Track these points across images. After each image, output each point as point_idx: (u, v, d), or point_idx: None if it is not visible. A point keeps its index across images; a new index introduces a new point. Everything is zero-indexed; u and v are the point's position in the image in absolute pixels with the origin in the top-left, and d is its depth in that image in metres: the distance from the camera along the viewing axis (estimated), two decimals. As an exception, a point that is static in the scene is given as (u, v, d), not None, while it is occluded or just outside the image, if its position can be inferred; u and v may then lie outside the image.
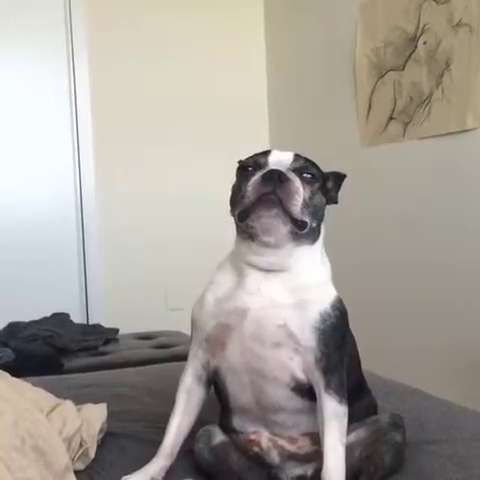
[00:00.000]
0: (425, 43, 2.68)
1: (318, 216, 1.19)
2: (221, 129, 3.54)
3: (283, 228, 1.14)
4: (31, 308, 2.76)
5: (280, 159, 1.18)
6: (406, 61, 2.78)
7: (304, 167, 1.18)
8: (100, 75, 3.41)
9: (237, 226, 1.21)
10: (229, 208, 1.21)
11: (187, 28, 3.57)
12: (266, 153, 1.20)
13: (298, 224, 1.14)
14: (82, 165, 3.39)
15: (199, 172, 3.54)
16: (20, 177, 3.34)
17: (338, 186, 1.27)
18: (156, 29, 3.53)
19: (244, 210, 1.14)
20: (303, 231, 1.15)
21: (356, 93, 3.08)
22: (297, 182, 1.13)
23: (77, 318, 3.08)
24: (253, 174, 1.15)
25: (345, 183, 1.29)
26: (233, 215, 1.20)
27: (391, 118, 2.87)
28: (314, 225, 1.18)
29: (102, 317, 3.20)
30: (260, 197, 1.12)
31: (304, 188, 1.14)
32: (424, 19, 2.68)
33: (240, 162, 1.26)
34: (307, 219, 1.15)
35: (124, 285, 3.43)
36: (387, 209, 2.97)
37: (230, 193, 1.22)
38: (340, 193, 1.29)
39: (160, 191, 3.53)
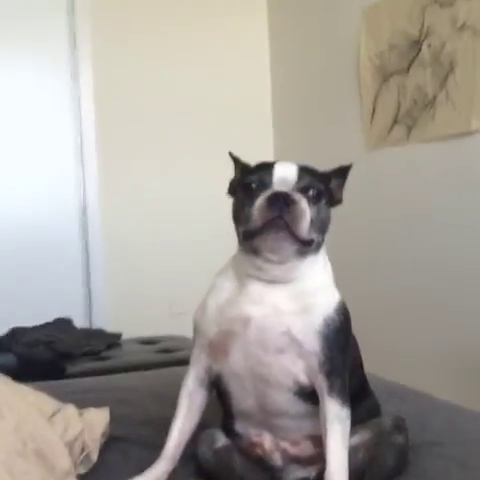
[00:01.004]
0: (429, 46, 2.68)
1: (324, 230, 1.19)
2: (226, 134, 3.54)
3: (290, 248, 1.14)
4: (35, 313, 2.77)
5: (284, 176, 1.16)
6: (410, 64, 2.78)
7: (309, 185, 1.16)
8: (104, 77, 3.43)
9: (240, 240, 1.20)
10: (233, 222, 1.20)
11: (190, 30, 3.58)
12: (270, 168, 1.17)
13: (305, 243, 1.14)
14: (86, 169, 3.40)
15: (203, 177, 3.54)
16: (24, 183, 3.34)
17: (342, 182, 1.26)
18: (159, 31, 3.53)
19: (250, 232, 1.14)
20: (310, 247, 1.15)
21: (360, 96, 3.08)
22: (303, 204, 1.12)
23: (80, 323, 3.09)
24: (257, 194, 1.13)
25: (350, 186, 1.27)
26: (237, 231, 1.19)
27: (395, 121, 2.87)
28: (320, 240, 1.18)
29: (105, 322, 3.20)
30: (267, 221, 1.11)
31: (310, 207, 1.13)
32: (428, 22, 2.68)
33: (238, 164, 1.27)
34: (314, 237, 1.15)
35: (127, 290, 3.44)
36: (392, 212, 2.96)
37: (232, 208, 1.21)
38: (344, 196, 1.27)
39: (164, 196, 3.54)
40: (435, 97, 2.66)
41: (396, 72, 2.86)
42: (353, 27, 3.08)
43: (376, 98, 2.98)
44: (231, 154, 1.29)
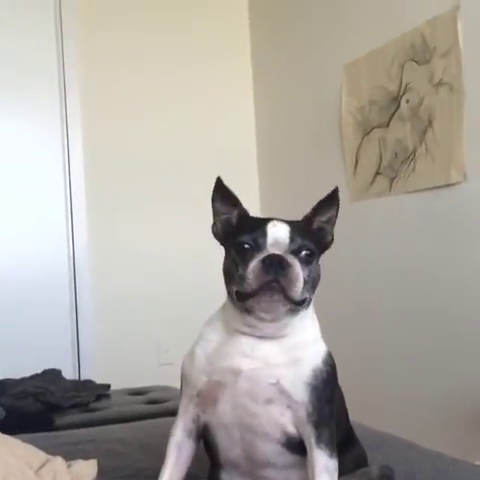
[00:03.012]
0: (408, 102, 2.78)
1: (315, 286, 1.20)
2: (211, 188, 3.60)
3: (283, 308, 1.15)
4: (23, 365, 2.74)
5: (278, 238, 1.16)
6: (390, 119, 2.87)
7: (302, 246, 1.17)
8: (93, 132, 3.48)
9: (233, 299, 1.20)
10: (224, 279, 1.21)
11: (175, 85, 3.67)
12: (263, 228, 1.17)
13: (298, 303, 1.15)
14: (75, 223, 3.43)
15: (190, 229, 3.58)
16: (12, 235, 3.36)
17: (333, 215, 1.25)
18: (145, 86, 3.61)
19: (244, 294, 1.14)
20: (302, 306, 1.17)
21: (343, 150, 3.15)
22: (297, 267, 1.13)
23: (69, 374, 3.06)
24: (251, 255, 1.15)
25: (334, 237, 1.27)
26: (228, 289, 1.20)
27: (377, 173, 2.94)
28: (312, 297, 1.19)
29: (94, 373, 3.17)
30: (262, 285, 1.12)
31: (303, 268, 1.15)
32: (406, 79, 2.78)
33: (230, 196, 1.26)
34: (306, 296, 1.16)
35: (116, 341, 3.43)
36: (376, 262, 3.00)
37: (224, 265, 1.22)
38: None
39: (152, 248, 3.56)
40: (415, 150, 2.74)
41: (377, 126, 2.94)
42: (334, 83, 3.17)
43: (358, 151, 3.05)
44: (219, 180, 1.28)
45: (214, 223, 1.28)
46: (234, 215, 1.26)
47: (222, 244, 1.26)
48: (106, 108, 3.54)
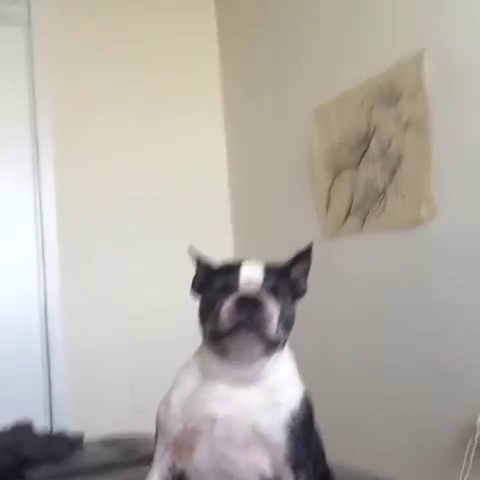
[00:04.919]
0: (377, 143, 2.83)
1: (290, 326, 1.21)
2: (185, 234, 3.60)
3: (257, 348, 1.16)
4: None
5: (251, 278, 1.18)
6: (360, 159, 2.92)
7: (275, 285, 1.19)
8: (65, 174, 3.46)
9: (207, 340, 1.21)
10: (199, 322, 1.22)
11: (149, 130, 3.70)
12: (236, 269, 1.19)
13: (273, 342, 1.16)
14: (47, 271, 3.38)
15: (163, 277, 3.57)
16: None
17: (306, 268, 1.28)
18: (120, 132, 3.63)
19: (218, 333, 1.15)
20: (277, 346, 1.18)
21: (315, 191, 3.19)
22: (271, 306, 1.14)
23: (41, 423, 2.99)
24: (225, 296, 1.15)
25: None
26: (203, 331, 1.21)
27: (349, 213, 2.98)
28: (287, 337, 1.20)
29: (67, 421, 3.11)
30: (235, 324, 1.13)
31: (277, 307, 1.15)
32: (375, 120, 2.84)
33: (199, 261, 1.30)
34: (281, 336, 1.17)
35: (89, 388, 3.36)
36: (349, 299, 3.01)
37: (199, 308, 1.23)
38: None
39: (125, 295, 3.53)
40: (385, 189, 2.78)
41: (347, 167, 2.99)
42: (305, 126, 3.22)
43: (329, 192, 3.09)
44: (191, 250, 1.32)
45: (193, 284, 1.31)
46: (199, 271, 1.30)
47: (198, 295, 1.27)
48: (79, 152, 3.54)
